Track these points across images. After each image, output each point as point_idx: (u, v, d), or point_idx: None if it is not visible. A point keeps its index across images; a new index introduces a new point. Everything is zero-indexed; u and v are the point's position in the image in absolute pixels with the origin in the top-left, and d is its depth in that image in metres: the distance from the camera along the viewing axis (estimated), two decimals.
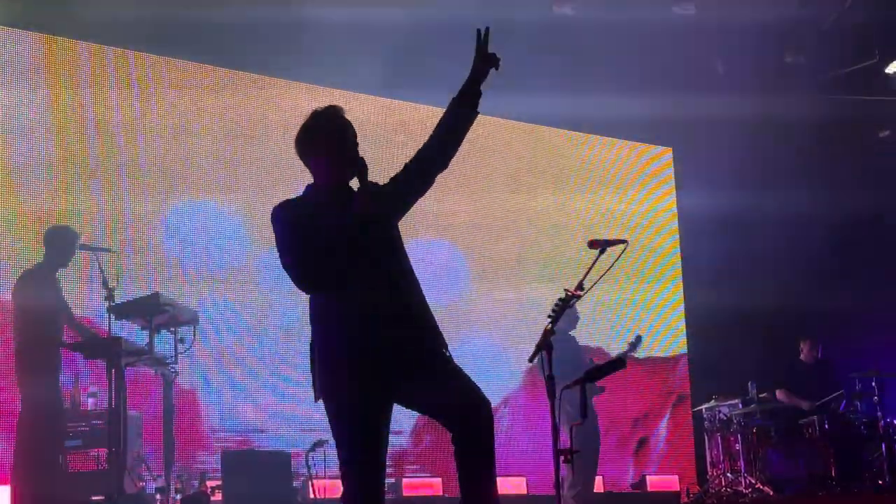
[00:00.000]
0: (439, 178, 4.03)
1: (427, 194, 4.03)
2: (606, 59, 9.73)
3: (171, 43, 9.00)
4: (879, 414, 8.95)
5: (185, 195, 9.10)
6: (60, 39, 8.74)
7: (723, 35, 9.85)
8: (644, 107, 10.17)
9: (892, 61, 10.71)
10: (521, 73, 8.86)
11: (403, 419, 7.65)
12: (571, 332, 8.38)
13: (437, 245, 9.97)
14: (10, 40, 8.55)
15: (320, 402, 3.82)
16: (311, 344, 3.84)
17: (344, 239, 3.74)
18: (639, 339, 8.76)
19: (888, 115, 11.41)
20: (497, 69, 3.91)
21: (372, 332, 3.71)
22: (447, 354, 3.83)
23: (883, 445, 8.98)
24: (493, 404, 3.80)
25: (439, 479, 8.92)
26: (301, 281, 3.78)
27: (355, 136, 3.92)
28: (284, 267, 3.79)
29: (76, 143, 8.69)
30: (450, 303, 9.63)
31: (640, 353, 9.47)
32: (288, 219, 3.81)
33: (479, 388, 3.77)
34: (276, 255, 3.82)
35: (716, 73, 10.50)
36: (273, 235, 3.85)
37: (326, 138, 3.89)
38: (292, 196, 3.96)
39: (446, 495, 8.63)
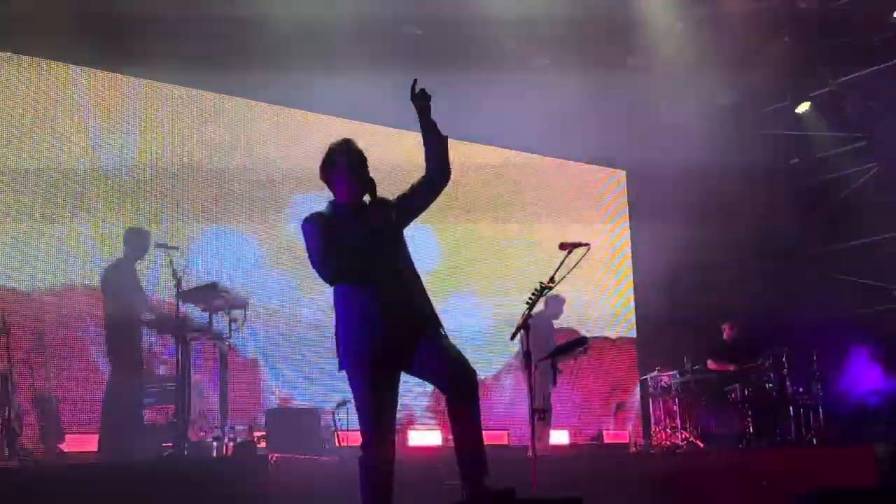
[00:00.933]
0: None
1: None
2: (562, 90, 9.31)
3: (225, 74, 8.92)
4: (788, 383, 9.13)
5: (241, 201, 9.24)
6: (144, 81, 8.90)
7: (667, 80, 9.90)
8: (598, 132, 10.07)
9: (800, 103, 10.89)
10: (476, 97, 8.76)
11: (409, 384, 7.74)
12: (554, 322, 8.79)
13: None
14: (93, 77, 8.63)
15: (343, 371, 3.97)
16: (334, 325, 3.99)
17: (361, 243, 3.86)
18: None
19: (798, 147, 11.54)
20: (427, 100, 3.94)
21: (382, 317, 3.84)
22: (443, 333, 3.97)
23: (790, 408, 9.16)
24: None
25: (439, 432, 8.98)
26: (326, 276, 3.91)
27: (366, 161, 4.03)
28: (313, 265, 3.93)
29: (154, 160, 8.82)
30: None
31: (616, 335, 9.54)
32: (316, 227, 3.93)
33: (467, 361, 3.93)
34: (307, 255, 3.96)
35: (660, 112, 10.54)
36: (303, 240, 3.95)
37: (344, 165, 3.98)
38: (316, 210, 4.05)
39: (445, 445, 8.63)
